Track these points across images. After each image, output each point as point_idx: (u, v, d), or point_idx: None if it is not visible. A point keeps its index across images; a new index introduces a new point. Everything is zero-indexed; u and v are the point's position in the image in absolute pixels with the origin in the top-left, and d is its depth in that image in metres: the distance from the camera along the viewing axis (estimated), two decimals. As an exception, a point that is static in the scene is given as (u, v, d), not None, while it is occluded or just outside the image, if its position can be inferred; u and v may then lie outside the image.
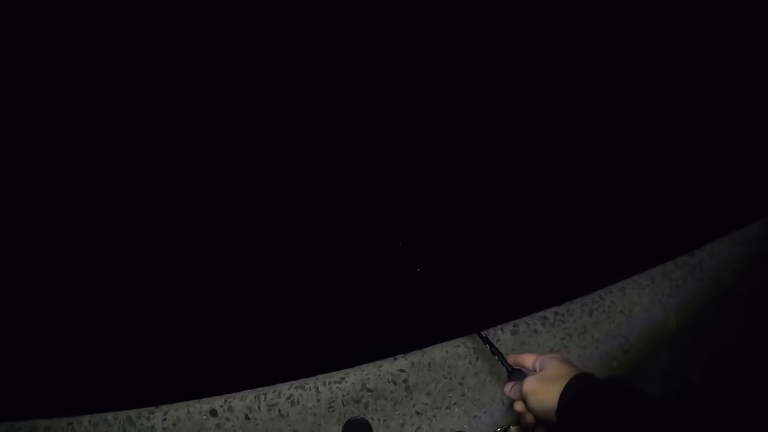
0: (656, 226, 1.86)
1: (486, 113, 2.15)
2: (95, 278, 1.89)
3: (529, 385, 0.73)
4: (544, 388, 0.71)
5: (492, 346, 0.92)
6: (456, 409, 1.38)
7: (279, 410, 1.34)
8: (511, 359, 0.85)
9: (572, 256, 1.75)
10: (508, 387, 0.80)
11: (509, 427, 0.85)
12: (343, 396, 1.34)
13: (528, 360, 0.80)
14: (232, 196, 1.99)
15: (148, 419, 1.42)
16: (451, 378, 1.38)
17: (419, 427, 1.36)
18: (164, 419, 1.41)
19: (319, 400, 1.34)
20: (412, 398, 1.36)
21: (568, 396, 0.68)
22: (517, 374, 0.81)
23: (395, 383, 1.36)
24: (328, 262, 1.82)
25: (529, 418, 0.75)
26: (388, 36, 2.27)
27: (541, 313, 1.48)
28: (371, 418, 1.34)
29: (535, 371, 0.78)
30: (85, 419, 1.49)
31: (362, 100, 2.14)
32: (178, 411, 1.41)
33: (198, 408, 1.39)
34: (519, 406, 0.77)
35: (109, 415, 1.47)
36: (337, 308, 1.66)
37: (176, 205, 2.00)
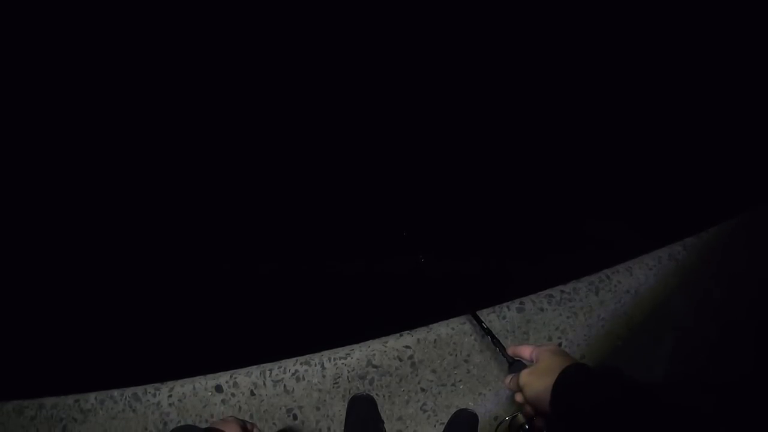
0: (664, 206, 1.83)
1: (493, 95, 2.12)
2: (102, 257, 1.89)
3: (524, 377, 0.74)
4: (537, 381, 0.72)
5: (493, 336, 0.91)
6: (461, 386, 1.38)
7: (284, 386, 1.34)
8: (510, 350, 0.82)
9: (580, 234, 1.73)
10: (508, 379, 0.81)
11: (517, 415, 0.85)
12: (349, 372, 1.34)
13: (526, 351, 0.80)
14: (250, 184, 1.99)
15: (154, 395, 1.43)
16: (456, 355, 1.37)
17: (424, 404, 1.37)
18: (170, 395, 1.41)
19: (324, 376, 1.34)
20: (417, 375, 1.36)
21: (559, 388, 0.69)
22: (516, 366, 0.82)
23: (401, 360, 1.35)
24: (336, 246, 1.81)
25: (528, 408, 0.76)
26: (396, 38, 2.23)
27: (547, 291, 1.47)
28: (376, 395, 1.35)
29: (533, 362, 0.78)
30: (92, 396, 1.50)
31: (368, 103, 2.11)
32: (183, 387, 1.41)
33: (203, 384, 1.39)
34: (519, 398, 0.78)
35: (115, 392, 1.48)
36: (343, 286, 1.65)
37: (190, 188, 1.99)
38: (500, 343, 0.89)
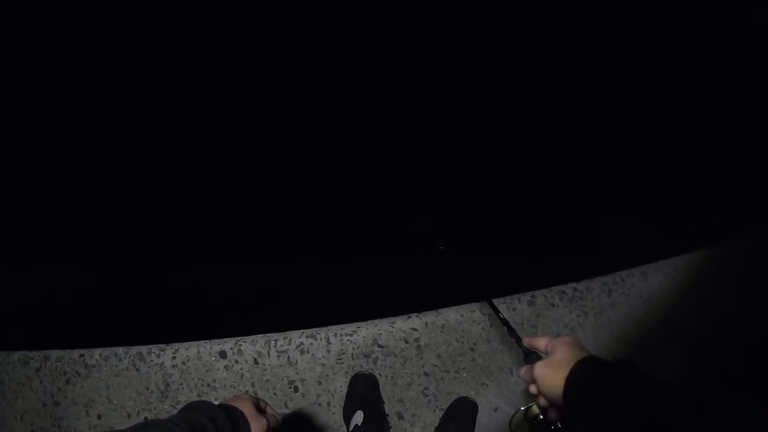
0: (687, 214, 1.79)
1: (519, 93, 2.09)
2: (114, 211, 1.90)
3: (539, 369, 0.74)
4: (551, 373, 0.72)
5: (510, 327, 0.91)
6: (464, 374, 1.37)
7: (288, 357, 1.34)
8: (526, 341, 0.83)
9: (598, 234, 1.70)
10: (523, 370, 0.81)
11: (531, 406, 0.84)
12: (354, 349, 1.34)
13: (541, 343, 0.80)
14: (272, 165, 2.00)
15: (158, 356, 1.43)
16: (463, 342, 1.36)
17: (426, 388, 1.36)
18: (174, 357, 1.42)
19: (329, 351, 1.33)
20: (422, 358, 1.35)
21: (572, 381, 0.69)
22: (531, 357, 0.81)
23: (407, 341, 1.34)
24: (356, 229, 1.80)
25: (543, 401, 0.77)
26: (416, 34, 2.21)
27: (560, 288, 1.45)
28: (379, 374, 1.34)
29: (548, 354, 0.78)
30: (97, 352, 1.52)
31: (390, 96, 2.10)
32: (188, 350, 1.42)
33: (208, 349, 1.40)
34: (533, 389, 0.77)
35: (120, 350, 1.49)
36: (356, 265, 1.65)
37: (210, 162, 2.01)
38: (516, 333, 0.88)
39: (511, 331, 0.90)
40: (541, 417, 0.80)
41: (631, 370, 0.66)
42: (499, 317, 0.94)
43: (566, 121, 2.01)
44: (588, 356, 0.71)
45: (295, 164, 2.00)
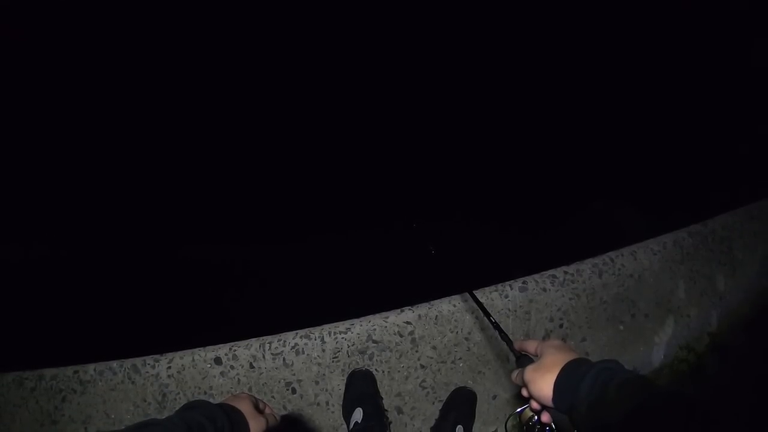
0: (671, 192, 1.81)
1: (508, 79, 2.09)
2: (100, 228, 1.88)
3: (528, 374, 0.76)
4: (540, 377, 0.73)
5: (501, 331, 0.92)
6: (461, 364, 1.38)
7: (284, 359, 1.34)
8: (517, 345, 0.85)
9: (585, 215, 1.71)
10: (514, 375, 0.81)
11: (525, 408, 0.85)
12: (349, 347, 1.33)
13: (531, 346, 0.82)
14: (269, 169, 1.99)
15: (153, 367, 1.42)
16: (457, 332, 1.36)
17: (423, 381, 1.36)
18: (169, 367, 1.41)
19: (324, 350, 1.33)
20: (417, 351, 1.35)
21: (560, 385, 0.70)
22: (523, 360, 0.83)
23: (401, 335, 1.34)
24: (351, 231, 1.80)
25: (535, 404, 0.77)
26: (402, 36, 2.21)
27: (551, 272, 1.46)
28: (376, 370, 1.34)
29: (538, 357, 0.80)
30: (91, 368, 1.50)
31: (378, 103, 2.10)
32: (183, 359, 1.41)
33: (203, 356, 1.38)
34: (525, 393, 0.78)
35: (114, 363, 1.47)
36: (350, 263, 1.64)
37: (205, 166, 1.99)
38: (508, 337, 0.89)
39: (503, 335, 0.90)
40: (535, 419, 0.81)
41: (616, 371, 0.68)
42: (490, 321, 0.94)
43: (550, 108, 2.02)
44: (574, 360, 0.72)
45: (291, 167, 1.99)
